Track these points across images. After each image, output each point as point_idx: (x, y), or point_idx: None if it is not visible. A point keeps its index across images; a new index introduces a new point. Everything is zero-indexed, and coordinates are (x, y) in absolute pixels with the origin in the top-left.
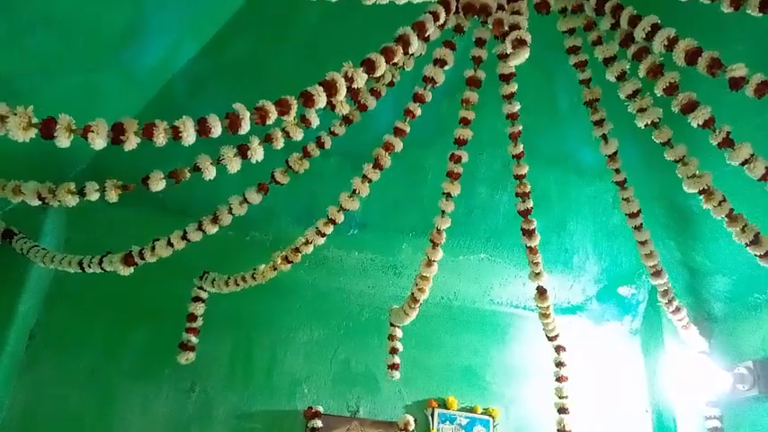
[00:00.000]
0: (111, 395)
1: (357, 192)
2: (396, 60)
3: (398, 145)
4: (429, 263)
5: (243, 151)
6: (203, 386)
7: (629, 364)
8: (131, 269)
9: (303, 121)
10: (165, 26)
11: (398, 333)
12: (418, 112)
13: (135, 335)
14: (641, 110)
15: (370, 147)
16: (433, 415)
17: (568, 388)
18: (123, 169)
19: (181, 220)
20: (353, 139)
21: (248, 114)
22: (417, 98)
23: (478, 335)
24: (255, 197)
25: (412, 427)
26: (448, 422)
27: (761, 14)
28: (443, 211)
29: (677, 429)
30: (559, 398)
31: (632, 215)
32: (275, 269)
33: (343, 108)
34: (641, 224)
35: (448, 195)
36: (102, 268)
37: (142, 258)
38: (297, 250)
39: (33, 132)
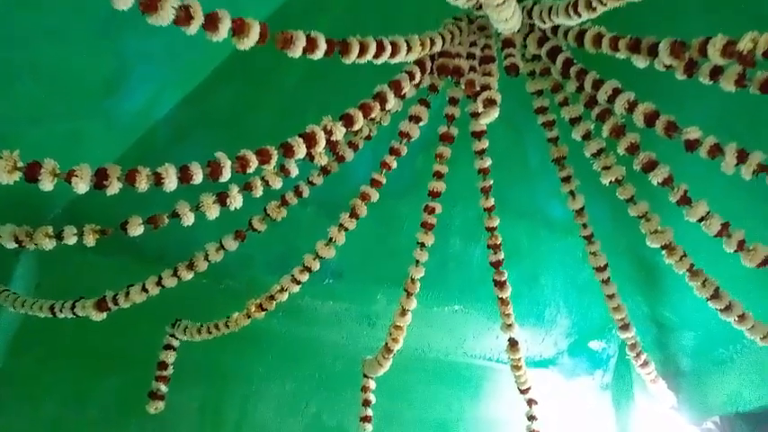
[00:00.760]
0: None
1: (333, 240)
2: (373, 116)
3: (375, 195)
4: (403, 312)
5: (222, 199)
6: None
7: (600, 419)
8: (104, 315)
9: (282, 170)
10: (148, 76)
11: (372, 384)
12: (394, 164)
13: (103, 383)
14: (605, 168)
15: (347, 197)
16: None
17: None
18: (98, 213)
19: (155, 267)
20: (331, 189)
21: (229, 163)
22: (393, 152)
23: (452, 388)
24: (232, 244)
25: None
26: None
27: (711, 82)
28: (418, 261)
29: None
30: None
31: (599, 269)
32: (249, 317)
33: (322, 159)
34: (608, 278)
35: (422, 245)
36: (74, 313)
37: (116, 304)
38: (272, 298)
39: (18, 175)
